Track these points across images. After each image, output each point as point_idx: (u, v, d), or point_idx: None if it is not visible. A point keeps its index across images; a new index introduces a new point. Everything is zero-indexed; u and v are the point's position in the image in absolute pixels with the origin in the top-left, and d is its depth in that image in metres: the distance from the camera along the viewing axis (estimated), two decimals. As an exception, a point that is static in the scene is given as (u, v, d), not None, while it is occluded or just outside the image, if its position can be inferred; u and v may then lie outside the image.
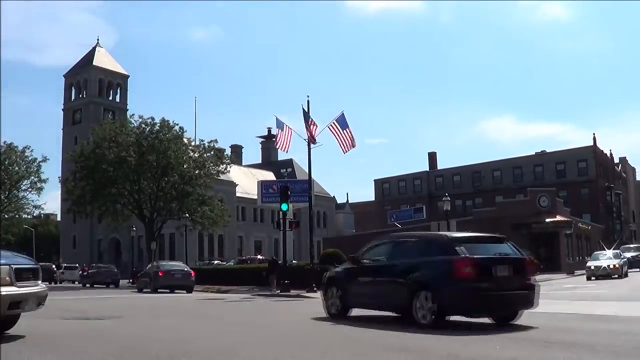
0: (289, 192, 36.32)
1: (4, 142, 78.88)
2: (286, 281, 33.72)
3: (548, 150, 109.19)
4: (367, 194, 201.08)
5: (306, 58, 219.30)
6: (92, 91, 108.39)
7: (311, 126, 37.34)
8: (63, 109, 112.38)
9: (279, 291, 33.85)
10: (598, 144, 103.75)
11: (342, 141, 37.13)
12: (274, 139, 39.29)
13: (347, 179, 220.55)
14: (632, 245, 67.90)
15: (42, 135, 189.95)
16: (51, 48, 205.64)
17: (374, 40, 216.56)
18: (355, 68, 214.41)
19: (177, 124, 61.86)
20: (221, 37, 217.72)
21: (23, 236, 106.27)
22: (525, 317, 14.35)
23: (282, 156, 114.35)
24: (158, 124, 60.74)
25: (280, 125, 38.43)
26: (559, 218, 69.62)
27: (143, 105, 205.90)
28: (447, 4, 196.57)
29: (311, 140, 37.57)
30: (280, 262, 38.79)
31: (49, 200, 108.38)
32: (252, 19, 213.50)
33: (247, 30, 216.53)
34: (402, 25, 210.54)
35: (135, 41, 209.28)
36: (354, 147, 37.68)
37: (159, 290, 40.49)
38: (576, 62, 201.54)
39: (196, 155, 62.88)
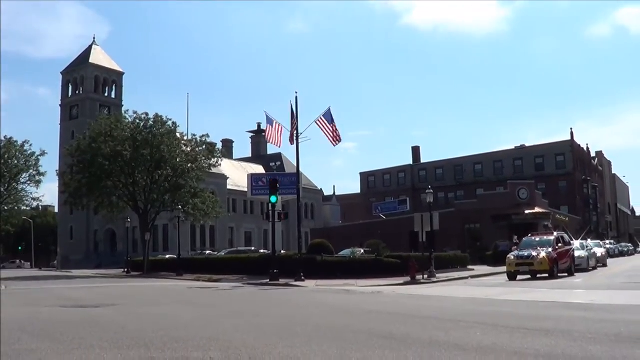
0: (278, 185, 36.44)
1: (4, 137, 78.53)
2: (275, 271, 33.73)
3: (527, 145, 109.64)
4: (353, 187, 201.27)
5: (299, 54, 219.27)
6: (88, 88, 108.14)
7: (293, 126, 37.58)
8: (60, 105, 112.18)
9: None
10: (575, 139, 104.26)
11: (331, 135, 37.42)
12: (263, 134, 39.17)
13: (333, 172, 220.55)
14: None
15: (40, 128, 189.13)
16: (46, 41, 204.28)
17: (372, 38, 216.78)
18: (343, 65, 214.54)
19: (170, 119, 61.76)
20: (213, 34, 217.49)
21: (22, 227, 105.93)
22: (506, 305, 14.40)
23: (271, 150, 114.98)
24: (152, 119, 60.61)
25: (270, 121, 38.58)
26: (537, 210, 69.94)
27: (136, 101, 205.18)
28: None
29: (290, 139, 37.84)
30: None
31: (47, 193, 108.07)
32: (242, 17, 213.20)
33: (237, 27, 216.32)
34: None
35: (127, 36, 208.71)
36: (340, 141, 38.30)
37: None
38: (555, 57, 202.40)
39: (188, 149, 62.72)
